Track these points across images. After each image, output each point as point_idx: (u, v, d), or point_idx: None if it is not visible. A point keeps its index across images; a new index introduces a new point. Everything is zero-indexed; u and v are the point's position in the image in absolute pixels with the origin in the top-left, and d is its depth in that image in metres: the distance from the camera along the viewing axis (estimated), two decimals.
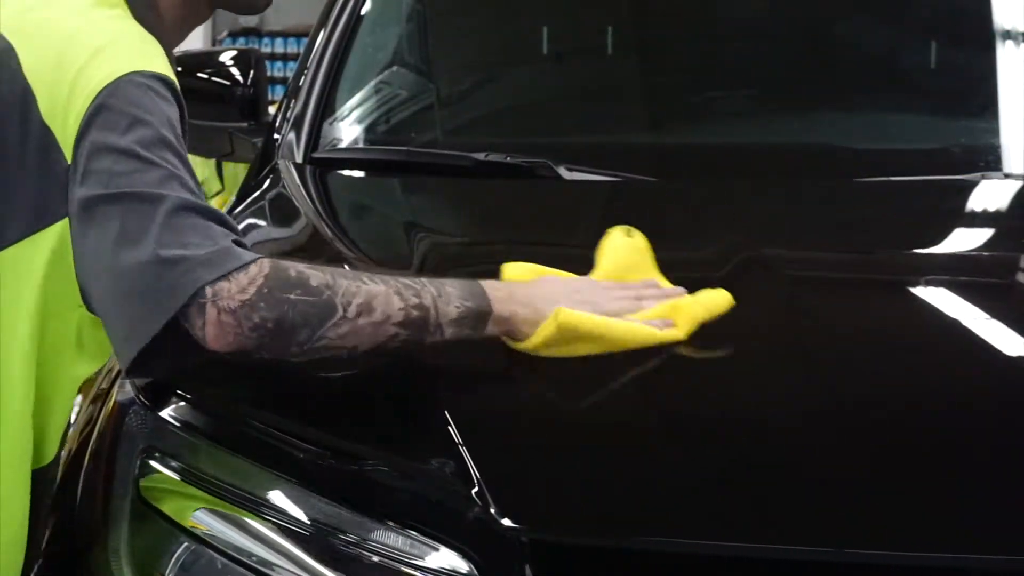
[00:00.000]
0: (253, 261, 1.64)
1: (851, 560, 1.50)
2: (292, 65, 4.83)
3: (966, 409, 1.72)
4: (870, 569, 1.50)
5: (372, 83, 2.93)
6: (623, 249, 1.93)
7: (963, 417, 1.70)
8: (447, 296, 1.71)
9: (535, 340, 1.74)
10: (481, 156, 2.51)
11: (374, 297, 1.67)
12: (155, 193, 1.65)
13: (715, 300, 1.84)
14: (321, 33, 2.91)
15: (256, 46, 9.49)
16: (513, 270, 1.87)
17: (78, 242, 1.70)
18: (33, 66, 1.76)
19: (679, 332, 1.79)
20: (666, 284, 1.90)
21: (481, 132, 2.88)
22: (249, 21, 11.06)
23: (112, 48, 1.76)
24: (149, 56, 1.79)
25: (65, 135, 1.72)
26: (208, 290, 1.60)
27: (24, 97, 1.74)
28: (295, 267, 1.66)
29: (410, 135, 2.88)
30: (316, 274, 1.66)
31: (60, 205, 1.72)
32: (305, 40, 3.08)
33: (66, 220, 1.72)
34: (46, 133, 1.73)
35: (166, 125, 1.72)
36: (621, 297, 1.82)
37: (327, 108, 2.77)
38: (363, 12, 2.94)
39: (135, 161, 1.67)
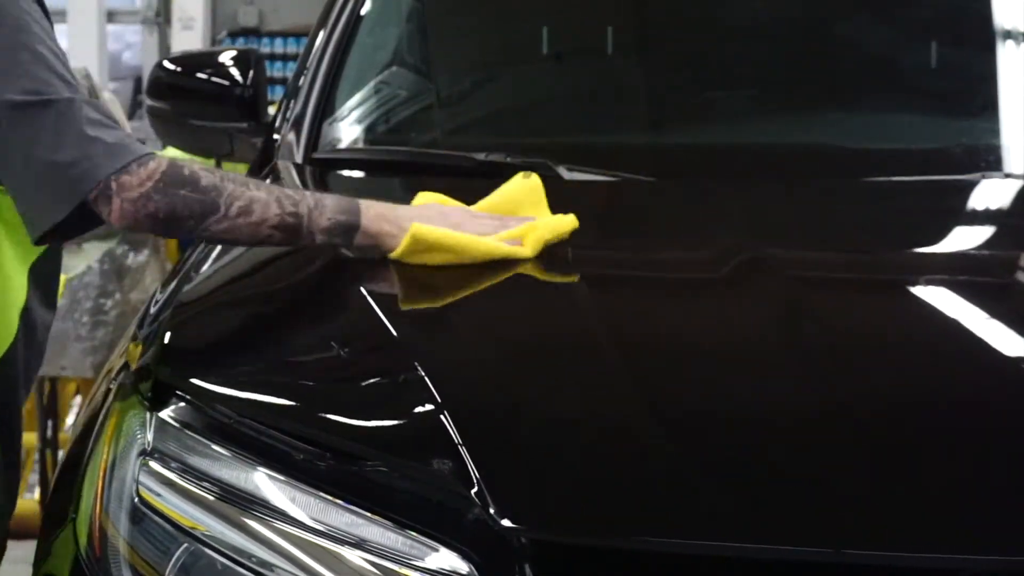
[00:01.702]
0: (151, 157, 1.91)
1: (851, 560, 1.50)
2: (292, 65, 4.82)
3: (966, 409, 1.72)
4: (870, 569, 1.50)
5: (372, 83, 2.93)
6: (515, 188, 2.19)
7: (963, 417, 1.70)
8: (322, 208, 1.98)
9: (397, 252, 2.01)
10: (481, 156, 2.51)
11: (255, 201, 1.94)
12: (50, 98, 1.88)
13: (560, 223, 2.10)
14: (321, 33, 2.91)
15: (256, 46, 9.49)
16: (422, 198, 2.16)
17: None
18: None
19: (526, 250, 2.05)
20: (548, 216, 2.12)
21: (481, 132, 2.88)
22: (249, 21, 11.06)
23: None
24: None
25: None
26: (113, 183, 1.89)
27: None
28: (189, 167, 1.94)
29: (410, 135, 2.88)
30: (207, 176, 1.94)
31: None
32: (305, 40, 3.07)
33: None
34: None
35: (37, 23, 1.92)
36: (486, 223, 2.09)
37: (327, 108, 2.77)
38: (363, 12, 2.94)
39: (24, 65, 1.89)
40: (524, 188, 2.18)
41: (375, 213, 2.01)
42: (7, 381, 2.07)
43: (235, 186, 1.94)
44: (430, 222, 2.02)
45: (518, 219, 2.10)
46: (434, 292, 2.06)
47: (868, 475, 1.58)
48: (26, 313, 2.07)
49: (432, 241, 2.00)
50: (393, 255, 2.02)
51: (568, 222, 2.10)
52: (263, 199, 1.95)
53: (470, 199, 2.55)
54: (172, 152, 5.07)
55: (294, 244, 2.01)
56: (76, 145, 1.89)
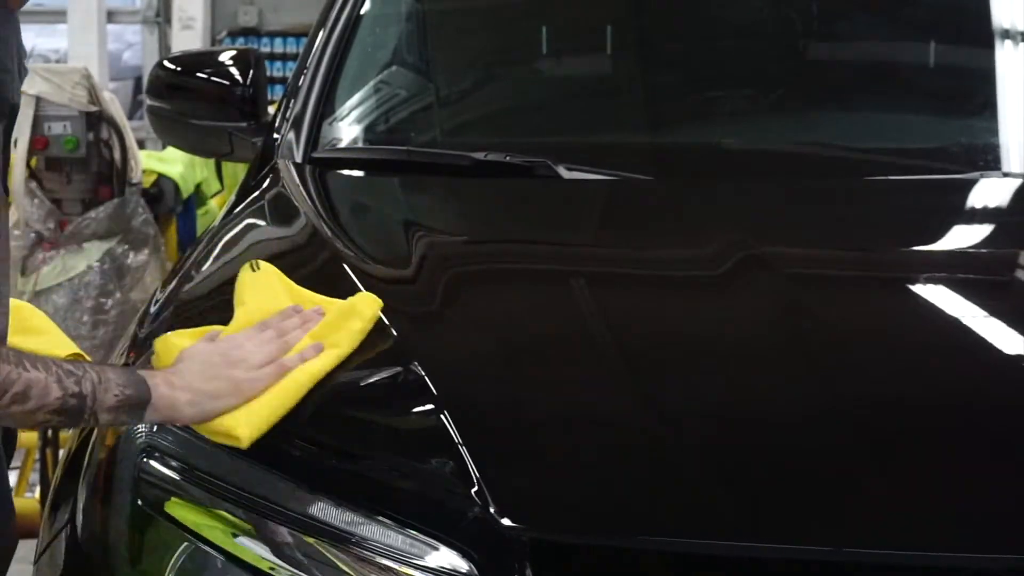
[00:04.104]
0: None
1: (851, 559, 1.50)
2: (292, 65, 4.82)
3: (966, 408, 1.72)
4: (870, 568, 1.50)
5: (371, 83, 2.93)
6: (256, 285, 1.91)
7: (963, 416, 1.70)
8: (107, 383, 1.70)
9: (246, 438, 1.70)
10: (480, 156, 2.51)
11: (32, 386, 1.67)
12: None
13: (363, 307, 1.83)
14: (320, 33, 2.91)
15: (255, 46, 9.48)
16: (165, 343, 1.85)
17: None
18: None
19: (340, 350, 1.79)
20: (309, 300, 1.88)
21: (480, 132, 2.88)
22: (249, 21, 11.06)
23: None
24: None
25: None
26: None
27: None
28: None
29: (410, 135, 2.88)
30: None
31: None
32: (305, 40, 3.07)
33: None
34: None
35: None
36: (266, 341, 1.81)
37: (326, 108, 2.77)
38: (362, 12, 2.94)
39: None
40: (264, 283, 1.92)
41: (162, 381, 1.74)
42: None
43: (11, 368, 1.67)
44: (216, 376, 1.74)
45: (280, 316, 1.84)
46: (434, 292, 2.06)
47: (868, 474, 1.59)
48: None
49: (264, 425, 1.72)
50: (242, 442, 1.71)
51: (370, 304, 1.85)
52: (42, 380, 1.68)
53: (470, 199, 2.55)
54: (172, 152, 5.04)
55: (74, 427, 1.92)
56: None
